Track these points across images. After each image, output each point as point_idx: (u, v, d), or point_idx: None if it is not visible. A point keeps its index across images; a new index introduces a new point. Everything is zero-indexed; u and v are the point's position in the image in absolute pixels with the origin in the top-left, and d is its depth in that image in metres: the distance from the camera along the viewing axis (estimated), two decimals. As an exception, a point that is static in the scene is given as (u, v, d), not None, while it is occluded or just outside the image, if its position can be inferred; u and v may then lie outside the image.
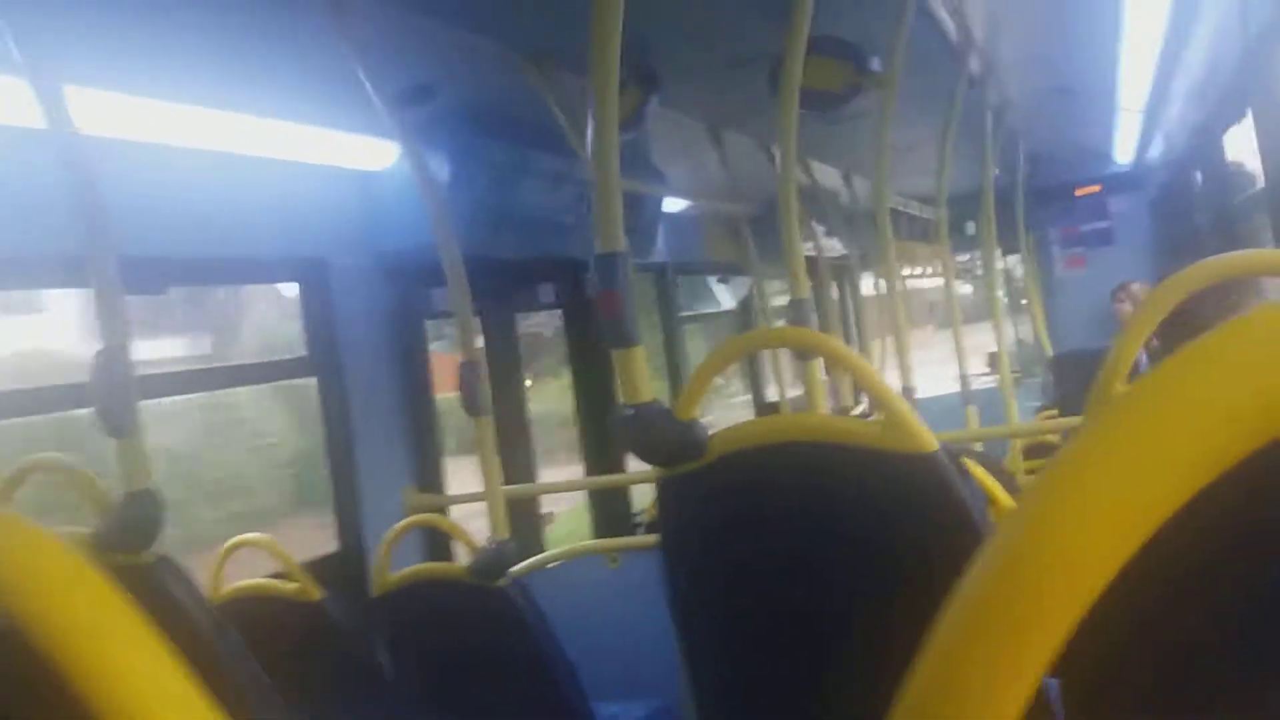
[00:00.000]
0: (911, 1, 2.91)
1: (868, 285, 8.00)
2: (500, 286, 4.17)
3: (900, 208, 6.30)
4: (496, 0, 2.62)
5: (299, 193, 3.25)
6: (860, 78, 3.01)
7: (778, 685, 1.80)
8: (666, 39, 3.02)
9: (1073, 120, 5.75)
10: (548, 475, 5.00)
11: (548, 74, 3.05)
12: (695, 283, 6.63)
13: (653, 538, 3.02)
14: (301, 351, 3.37)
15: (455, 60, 2.95)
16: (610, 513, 4.70)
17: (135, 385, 1.97)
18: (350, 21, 2.36)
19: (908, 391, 3.60)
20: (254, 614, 2.57)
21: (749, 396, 7.31)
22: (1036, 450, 4.61)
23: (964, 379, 4.55)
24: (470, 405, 2.86)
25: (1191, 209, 5.40)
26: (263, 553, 2.69)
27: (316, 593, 2.64)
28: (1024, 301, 8.17)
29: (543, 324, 6.67)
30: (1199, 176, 5.09)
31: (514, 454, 4.34)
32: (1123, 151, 6.99)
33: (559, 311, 4.78)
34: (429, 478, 3.67)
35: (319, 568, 3.07)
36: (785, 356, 5.63)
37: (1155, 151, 6.81)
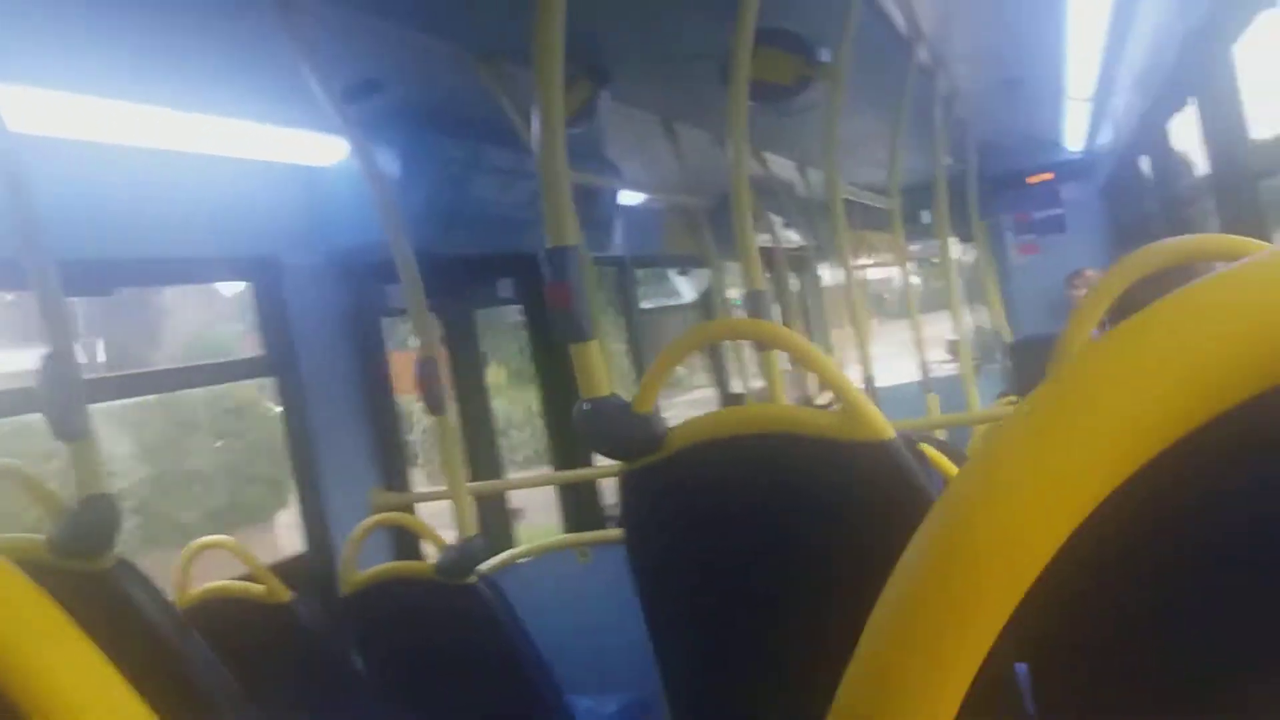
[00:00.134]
0: None
1: (827, 276, 8.06)
2: (458, 282, 4.16)
3: (854, 198, 6.34)
4: None
5: (248, 190, 3.22)
6: (810, 70, 3.03)
7: (745, 674, 1.81)
8: (616, 33, 3.03)
9: (1022, 109, 5.81)
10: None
11: (499, 71, 3.04)
12: (657, 276, 6.64)
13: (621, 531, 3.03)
14: (242, 354, 3.33)
15: (405, 57, 2.93)
16: (581, 507, 4.71)
17: (83, 388, 1.94)
18: (296, 18, 2.35)
19: (868, 381, 3.63)
20: (222, 616, 2.55)
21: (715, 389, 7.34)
22: None
23: (924, 367, 4.60)
24: (429, 403, 2.85)
25: (1141, 195, 5.47)
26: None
27: (284, 594, 2.63)
28: (977, 288, 8.24)
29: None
30: (1147, 163, 5.16)
31: (479, 451, 4.34)
32: (1073, 139, 7.07)
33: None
34: (395, 476, 3.66)
35: (287, 568, 3.06)
36: (749, 347, 5.66)
37: (1104, 139, 6.89)
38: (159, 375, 3.27)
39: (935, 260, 5.84)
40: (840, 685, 0.37)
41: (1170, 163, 4.34)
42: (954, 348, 5.21)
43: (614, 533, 3.46)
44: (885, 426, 1.66)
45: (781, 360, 3.03)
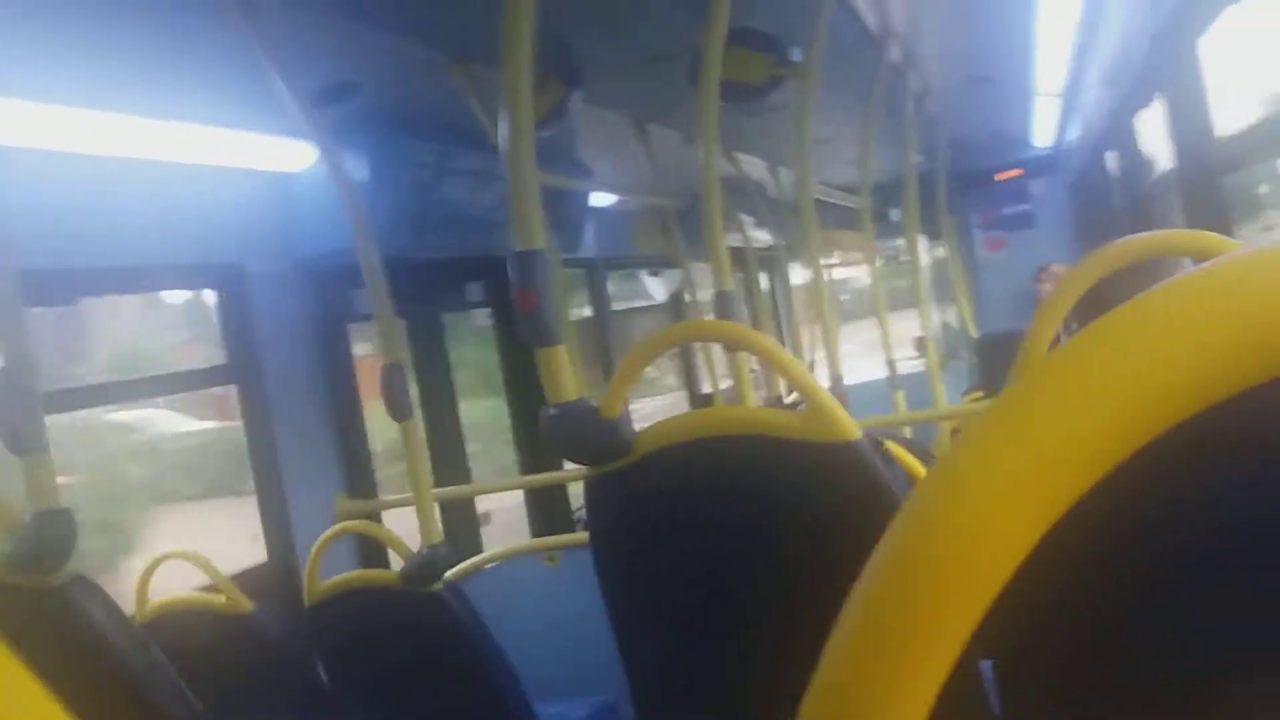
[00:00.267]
0: None
1: (797, 275, 8.07)
2: (426, 288, 4.12)
3: (825, 197, 6.35)
4: (414, 1, 2.58)
5: (213, 197, 3.18)
6: (781, 69, 3.02)
7: (712, 677, 1.79)
8: (587, 34, 3.01)
9: (992, 106, 5.85)
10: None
11: (469, 74, 3.02)
12: (628, 277, 6.62)
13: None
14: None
15: (374, 60, 2.90)
16: (549, 511, 4.68)
17: (40, 401, 1.90)
18: (261, 21, 2.31)
19: (837, 379, 3.63)
20: (182, 629, 2.51)
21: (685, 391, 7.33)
22: None
23: (891, 364, 4.61)
24: (394, 410, 2.81)
25: (1108, 191, 5.52)
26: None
27: (247, 605, 2.58)
28: (945, 286, 8.29)
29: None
30: (1114, 159, 5.20)
31: (446, 456, 4.30)
32: (1041, 135, 7.11)
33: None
34: (360, 484, 3.62)
35: (249, 579, 3.01)
36: (718, 348, 5.65)
37: (1073, 135, 6.94)
38: (115, 387, 3.21)
39: (904, 258, 5.85)
40: (807, 690, 0.36)
41: (1137, 158, 4.37)
42: (921, 345, 5.22)
43: (581, 536, 3.44)
44: (852, 427, 1.64)
45: (750, 360, 3.02)
